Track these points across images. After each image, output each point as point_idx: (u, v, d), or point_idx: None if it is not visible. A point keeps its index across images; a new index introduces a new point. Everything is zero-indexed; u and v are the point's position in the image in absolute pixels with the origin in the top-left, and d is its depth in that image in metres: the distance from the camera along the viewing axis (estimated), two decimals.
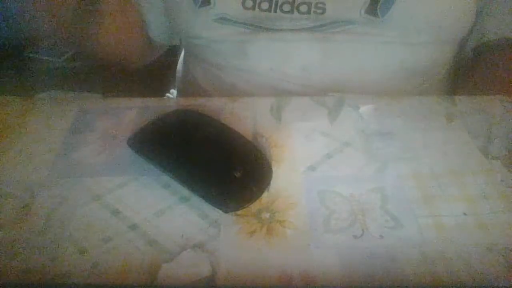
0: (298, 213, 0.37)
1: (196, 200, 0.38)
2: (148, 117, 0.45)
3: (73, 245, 0.35)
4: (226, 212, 0.37)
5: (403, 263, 0.33)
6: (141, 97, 0.50)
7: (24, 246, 0.35)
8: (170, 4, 0.58)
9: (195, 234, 0.36)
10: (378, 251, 0.34)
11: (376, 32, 0.52)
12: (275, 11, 0.52)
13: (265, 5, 0.52)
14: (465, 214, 0.37)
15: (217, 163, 0.39)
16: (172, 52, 0.72)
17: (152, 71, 0.69)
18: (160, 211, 0.38)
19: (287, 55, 0.55)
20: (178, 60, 0.73)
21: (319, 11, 0.51)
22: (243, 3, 0.52)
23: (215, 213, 0.37)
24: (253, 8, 0.52)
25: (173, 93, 0.80)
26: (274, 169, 0.40)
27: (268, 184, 0.39)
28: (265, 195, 0.38)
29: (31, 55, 1.05)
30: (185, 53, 0.70)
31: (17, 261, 0.34)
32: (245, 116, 0.47)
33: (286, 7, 0.51)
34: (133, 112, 0.48)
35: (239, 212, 0.37)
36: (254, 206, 0.38)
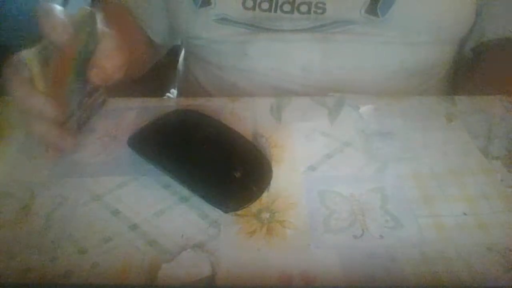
0: (298, 213, 0.37)
1: (196, 200, 0.38)
2: (148, 117, 0.45)
3: (73, 245, 0.35)
4: (226, 212, 0.37)
5: (403, 263, 0.33)
6: (141, 97, 0.50)
7: (24, 246, 0.35)
8: (170, 4, 0.58)
9: (195, 234, 0.36)
10: (378, 251, 0.34)
11: (376, 32, 0.52)
12: (275, 11, 0.52)
13: (265, 5, 0.52)
14: (465, 214, 0.37)
15: (217, 163, 0.39)
16: (172, 52, 0.72)
17: (152, 71, 0.69)
18: (160, 211, 0.38)
19: (287, 55, 0.55)
20: (178, 60, 0.73)
21: (319, 11, 0.51)
22: (243, 4, 0.52)
23: (215, 213, 0.37)
24: (254, 8, 0.52)
25: (173, 93, 0.80)
26: (274, 169, 0.40)
27: (268, 184, 0.39)
28: (265, 195, 0.38)
29: None
30: (185, 53, 0.70)
31: (17, 261, 0.34)
32: (245, 116, 0.47)
33: (286, 7, 0.51)
34: (133, 112, 0.48)
35: (239, 212, 0.37)
36: (254, 206, 0.38)
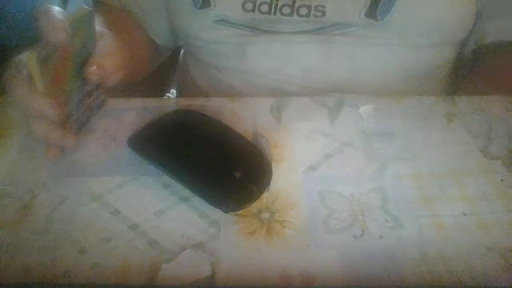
0: (298, 213, 0.37)
1: (196, 200, 0.38)
2: (148, 117, 0.45)
3: (73, 245, 0.35)
4: (226, 212, 0.37)
5: (403, 263, 0.33)
6: (141, 97, 0.50)
7: (24, 246, 0.35)
8: (170, 5, 0.58)
9: (195, 234, 0.36)
10: (378, 251, 0.34)
11: (376, 34, 0.52)
12: (274, 14, 0.52)
13: (264, 8, 0.52)
14: (465, 214, 0.37)
15: (217, 163, 0.39)
16: (172, 52, 0.72)
17: (152, 71, 0.69)
18: (160, 211, 0.38)
19: (287, 56, 0.55)
20: (178, 60, 0.73)
21: (318, 14, 0.51)
22: (242, 5, 0.52)
23: (215, 213, 0.37)
24: (253, 10, 0.52)
25: (173, 93, 0.80)
26: (274, 169, 0.40)
27: (268, 184, 0.39)
28: (265, 195, 0.38)
29: None
30: (184, 54, 0.70)
31: (17, 261, 0.34)
32: (245, 116, 0.47)
33: (286, 10, 0.51)
34: (133, 112, 0.48)
35: (239, 212, 0.37)
36: (254, 206, 0.38)
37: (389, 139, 0.44)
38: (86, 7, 0.38)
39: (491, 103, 0.48)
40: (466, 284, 0.32)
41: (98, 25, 0.41)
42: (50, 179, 0.41)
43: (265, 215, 0.37)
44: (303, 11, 0.51)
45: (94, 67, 0.39)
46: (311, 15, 0.51)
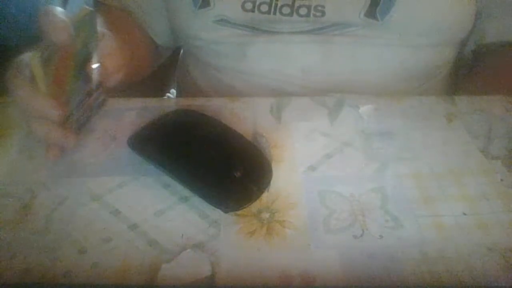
0: (298, 213, 0.37)
1: (196, 200, 0.38)
2: (148, 117, 0.45)
3: (73, 245, 0.35)
4: (226, 212, 0.37)
5: (403, 263, 0.33)
6: (141, 97, 0.50)
7: (24, 246, 0.35)
8: (170, 5, 0.58)
9: (195, 234, 0.36)
10: (378, 251, 0.34)
11: (376, 34, 0.52)
12: (274, 14, 0.52)
13: (264, 8, 0.52)
14: (465, 214, 0.37)
15: (217, 163, 0.39)
16: (173, 52, 0.72)
17: (152, 71, 0.69)
18: (160, 211, 0.38)
19: (286, 57, 0.55)
20: (178, 60, 0.73)
21: (318, 14, 0.51)
22: (242, 5, 0.52)
23: (215, 213, 0.37)
24: (253, 10, 0.52)
25: (173, 93, 0.80)
26: (274, 169, 0.40)
27: (268, 184, 0.39)
28: (265, 195, 0.38)
29: None
30: (184, 55, 0.70)
31: (17, 261, 0.34)
32: (245, 116, 0.47)
33: (286, 10, 0.51)
34: (133, 112, 0.48)
35: (239, 212, 0.37)
36: (254, 206, 0.38)
37: (389, 139, 0.44)
38: (88, 7, 0.39)
39: (491, 103, 0.48)
40: (466, 284, 0.32)
41: (99, 25, 0.41)
42: (50, 179, 0.41)
43: (265, 215, 0.37)
44: (303, 11, 0.51)
45: (96, 66, 0.40)
46: (311, 15, 0.51)
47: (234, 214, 0.37)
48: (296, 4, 0.51)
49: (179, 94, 0.74)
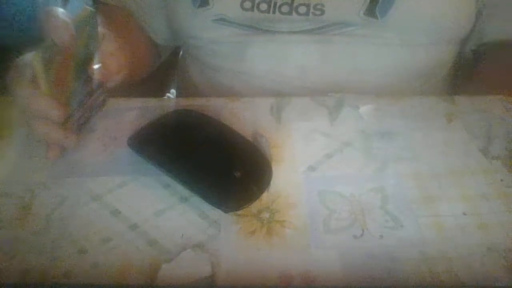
0: (298, 213, 0.37)
1: (196, 200, 0.38)
2: (148, 117, 0.45)
3: (73, 245, 0.35)
4: (226, 212, 0.37)
5: (403, 263, 0.33)
6: (141, 97, 0.50)
7: (24, 246, 0.35)
8: (169, 5, 0.58)
9: (195, 234, 0.36)
10: (378, 251, 0.34)
11: (375, 33, 0.52)
12: (273, 13, 0.52)
13: (263, 7, 0.52)
14: (465, 214, 0.37)
15: (217, 163, 0.39)
16: (173, 52, 0.72)
17: (152, 71, 0.69)
18: (160, 211, 0.38)
19: (285, 57, 0.55)
20: (178, 60, 0.73)
21: (317, 12, 0.51)
22: (241, 4, 0.52)
23: (215, 213, 0.37)
24: (252, 9, 0.52)
25: (173, 93, 0.80)
26: (274, 169, 0.40)
27: (268, 184, 0.39)
28: (265, 195, 0.38)
29: None
30: (183, 54, 0.70)
31: (17, 261, 0.34)
32: (245, 116, 0.47)
33: (285, 9, 0.51)
34: (133, 112, 0.48)
35: (239, 212, 0.37)
36: (254, 206, 0.38)
37: (389, 139, 0.44)
38: (89, 8, 0.39)
39: (491, 103, 0.48)
40: (466, 284, 0.32)
41: (100, 25, 0.41)
42: (50, 179, 0.41)
43: (265, 215, 0.37)
44: (302, 9, 0.51)
45: (98, 66, 0.40)
46: (310, 14, 0.51)
47: (234, 214, 0.37)
48: (295, 3, 0.51)
49: (179, 95, 0.74)
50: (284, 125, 0.46)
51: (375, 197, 0.38)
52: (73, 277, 0.33)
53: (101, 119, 0.46)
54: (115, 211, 0.38)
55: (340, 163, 0.41)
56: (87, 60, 0.40)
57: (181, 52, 0.72)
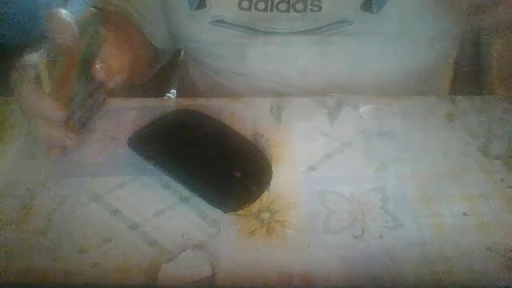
0: (298, 213, 0.37)
1: (196, 200, 0.38)
2: (148, 117, 0.45)
3: (73, 245, 0.35)
4: (226, 212, 0.37)
5: (403, 263, 0.33)
6: (141, 97, 0.50)
7: (24, 246, 0.35)
8: (167, 7, 0.58)
9: (195, 234, 0.36)
10: (378, 251, 0.34)
11: (372, 30, 0.51)
12: (271, 11, 0.52)
13: (261, 5, 0.52)
14: (465, 214, 0.37)
15: (217, 163, 0.39)
16: (174, 52, 0.72)
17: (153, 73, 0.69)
18: (160, 211, 0.38)
19: (284, 58, 0.55)
20: (178, 60, 0.73)
21: (315, 8, 0.51)
22: (239, 4, 0.52)
23: (215, 213, 0.37)
24: (249, 8, 0.52)
25: (173, 93, 0.80)
26: (274, 169, 0.40)
27: (268, 184, 0.39)
28: (265, 195, 0.38)
29: None
30: (184, 56, 0.70)
31: (17, 261, 0.34)
32: (245, 116, 0.47)
33: (282, 6, 0.51)
34: (133, 112, 0.48)
35: (239, 212, 0.37)
36: (254, 206, 0.38)
37: (389, 139, 0.44)
38: (93, 9, 0.39)
39: (491, 103, 0.48)
40: (466, 284, 0.32)
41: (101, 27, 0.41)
42: (50, 179, 0.41)
43: (265, 215, 0.37)
44: (299, 6, 0.51)
45: (101, 65, 0.40)
46: (307, 10, 0.51)
47: (234, 214, 0.37)
48: (292, 0, 0.51)
49: (179, 96, 0.74)
50: (284, 125, 0.46)
51: (375, 197, 0.38)
52: (73, 277, 0.33)
53: (101, 119, 0.46)
54: (115, 211, 0.38)
55: (340, 163, 0.41)
56: (89, 61, 0.40)
57: (182, 53, 0.72)
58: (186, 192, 0.39)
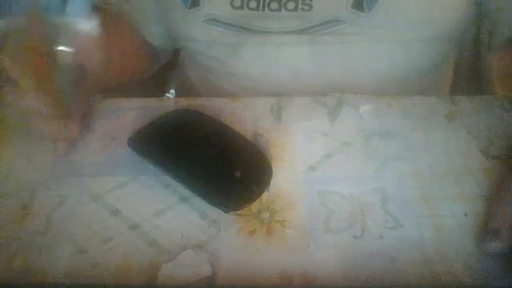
0: (298, 213, 0.37)
1: (196, 200, 0.38)
2: (148, 117, 0.45)
3: (73, 245, 0.35)
4: (226, 211, 0.37)
5: (403, 263, 0.33)
6: (141, 97, 0.50)
7: (24, 246, 0.35)
8: (162, 6, 0.58)
9: (195, 234, 0.36)
10: (378, 251, 0.34)
11: (365, 30, 0.51)
12: (263, 9, 0.52)
13: (253, 4, 0.52)
14: (466, 214, 0.37)
15: (217, 163, 0.39)
16: (173, 53, 0.72)
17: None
18: (160, 211, 0.38)
19: (278, 59, 0.55)
20: (178, 60, 0.73)
21: (306, 7, 0.51)
22: (231, 3, 0.52)
23: (215, 213, 0.37)
24: (242, 7, 0.52)
25: (173, 93, 0.80)
26: (274, 169, 0.40)
27: (268, 184, 0.39)
28: (265, 195, 0.38)
29: None
30: (182, 55, 0.70)
31: (17, 261, 0.34)
32: (245, 116, 0.47)
33: (274, 5, 0.51)
34: (133, 112, 0.48)
35: (239, 212, 0.37)
36: (254, 206, 0.38)
37: (389, 139, 0.44)
38: (35, 10, 0.40)
39: (491, 103, 0.48)
40: (466, 284, 0.32)
41: (93, 29, 0.42)
42: (50, 179, 0.41)
43: (265, 215, 0.37)
44: (291, 5, 0.51)
45: (64, 49, 0.40)
46: (299, 9, 0.51)
47: (234, 214, 0.37)
48: None
49: (178, 95, 0.74)
50: (284, 125, 0.46)
51: (375, 197, 0.38)
52: (73, 277, 0.33)
53: (101, 119, 0.46)
54: (115, 211, 0.38)
55: (340, 163, 0.41)
56: (55, 45, 0.40)
57: (180, 53, 0.72)
58: (186, 192, 0.39)
